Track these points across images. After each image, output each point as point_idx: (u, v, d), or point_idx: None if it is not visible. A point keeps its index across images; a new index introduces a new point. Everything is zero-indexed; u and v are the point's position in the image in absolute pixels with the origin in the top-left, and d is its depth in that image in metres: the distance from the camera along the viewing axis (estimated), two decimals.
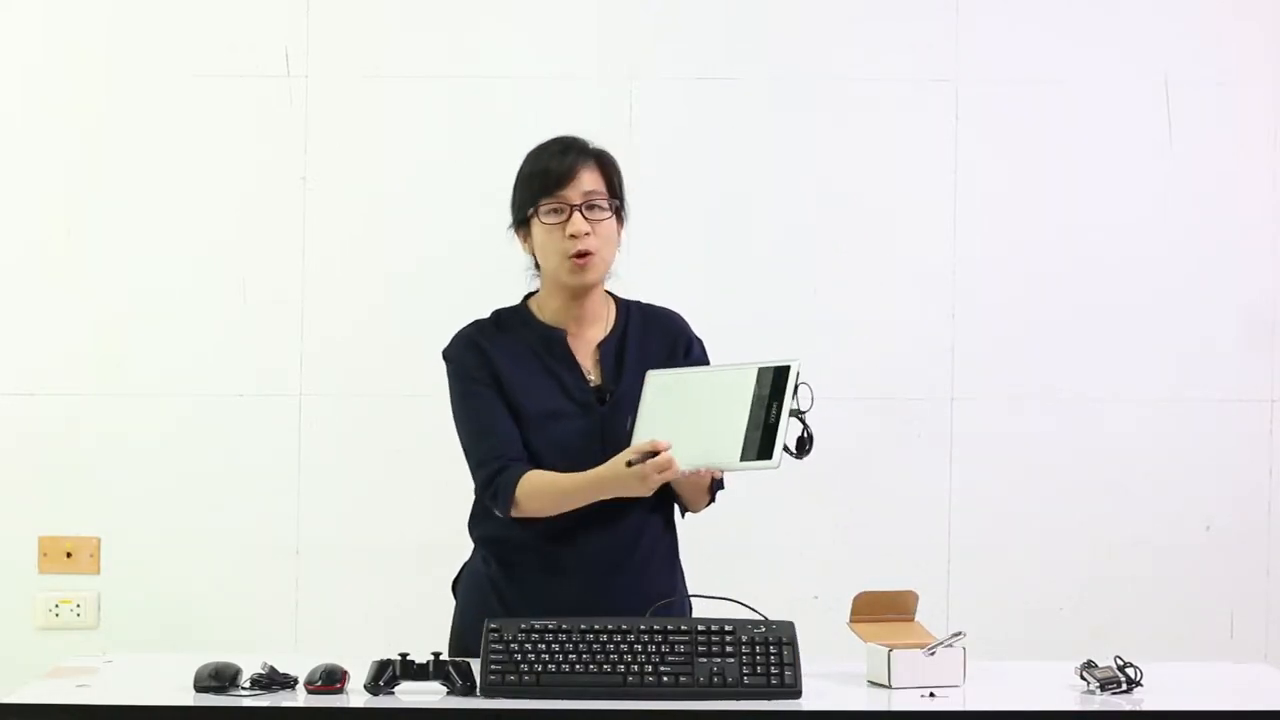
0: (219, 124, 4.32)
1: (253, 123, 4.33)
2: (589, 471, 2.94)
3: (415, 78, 4.33)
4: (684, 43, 4.36)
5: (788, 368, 2.88)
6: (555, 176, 2.99)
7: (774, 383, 2.88)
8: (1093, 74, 4.38)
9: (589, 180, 3.01)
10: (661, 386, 2.96)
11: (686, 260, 4.33)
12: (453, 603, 3.18)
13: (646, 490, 2.90)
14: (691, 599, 3.12)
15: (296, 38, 4.33)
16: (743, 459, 2.86)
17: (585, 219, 2.98)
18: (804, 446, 2.89)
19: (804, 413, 2.87)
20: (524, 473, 2.98)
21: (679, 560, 3.17)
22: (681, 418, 2.92)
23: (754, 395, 2.88)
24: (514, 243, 3.12)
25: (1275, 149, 4.39)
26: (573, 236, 2.98)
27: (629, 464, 2.86)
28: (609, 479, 2.91)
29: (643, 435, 2.92)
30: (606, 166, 3.05)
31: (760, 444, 2.85)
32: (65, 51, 4.31)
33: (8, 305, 4.32)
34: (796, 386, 2.86)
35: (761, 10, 4.36)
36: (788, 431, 2.84)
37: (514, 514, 2.99)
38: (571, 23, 4.35)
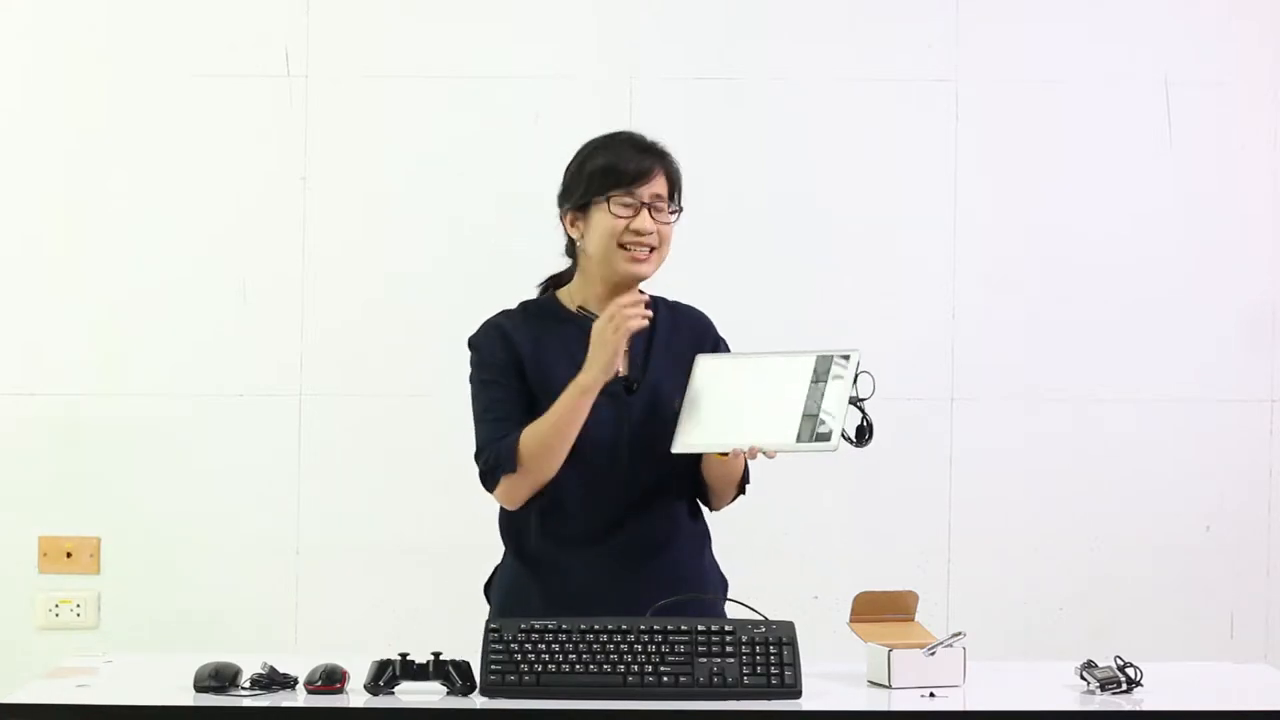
0: (219, 124, 4.32)
1: (253, 123, 4.33)
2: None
3: (415, 78, 4.33)
4: (683, 43, 4.36)
5: (848, 355, 2.90)
6: (632, 174, 3.02)
7: (832, 370, 2.90)
8: (1093, 74, 4.37)
9: (659, 185, 3.05)
10: (712, 369, 2.98)
11: (685, 260, 4.29)
12: (480, 603, 3.17)
13: (623, 334, 2.91)
14: (723, 588, 3.15)
15: (296, 38, 4.33)
16: (799, 440, 2.87)
17: (653, 219, 3.03)
18: (864, 435, 2.90)
19: (863, 400, 2.88)
20: (520, 433, 2.98)
21: (709, 547, 3.18)
22: (734, 400, 2.94)
23: (812, 380, 2.90)
24: (558, 228, 3.09)
25: (1275, 149, 4.39)
26: (637, 232, 3.01)
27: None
28: (583, 368, 2.92)
29: (691, 416, 2.93)
30: (673, 173, 3.09)
31: (817, 428, 2.86)
32: (64, 51, 4.31)
33: (8, 305, 4.32)
34: (857, 374, 2.87)
35: (761, 10, 4.36)
36: (847, 419, 2.85)
37: (520, 474, 2.96)
38: (571, 23, 4.35)
